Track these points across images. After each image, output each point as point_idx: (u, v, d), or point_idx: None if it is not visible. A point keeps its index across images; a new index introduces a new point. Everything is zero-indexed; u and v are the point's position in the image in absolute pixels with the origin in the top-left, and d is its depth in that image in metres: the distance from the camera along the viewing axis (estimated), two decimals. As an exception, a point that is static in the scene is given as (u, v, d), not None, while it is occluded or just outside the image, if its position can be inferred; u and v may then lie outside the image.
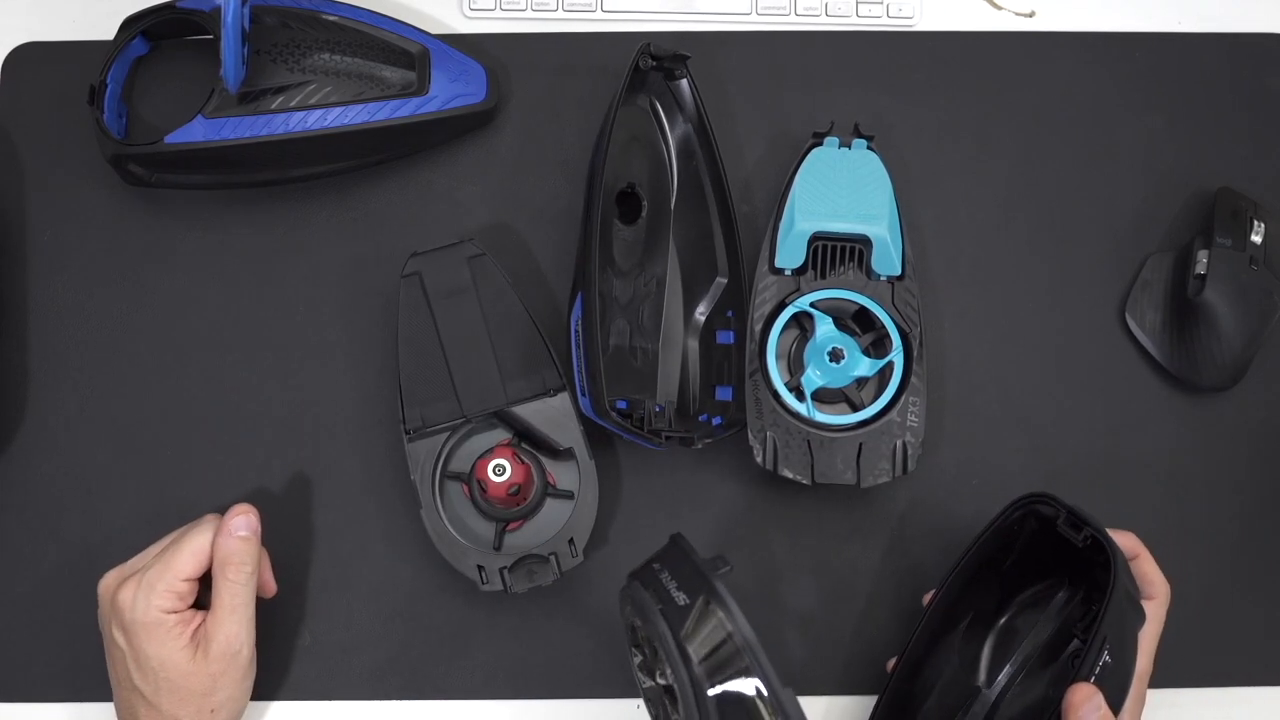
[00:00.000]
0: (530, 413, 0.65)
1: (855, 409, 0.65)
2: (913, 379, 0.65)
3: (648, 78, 0.70)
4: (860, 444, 0.64)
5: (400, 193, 0.73)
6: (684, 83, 0.70)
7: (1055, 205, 0.73)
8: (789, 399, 0.65)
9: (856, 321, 0.67)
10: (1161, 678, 0.67)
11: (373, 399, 0.70)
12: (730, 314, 0.68)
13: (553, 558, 0.63)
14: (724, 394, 0.67)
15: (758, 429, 0.64)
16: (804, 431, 0.64)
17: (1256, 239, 0.68)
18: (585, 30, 0.76)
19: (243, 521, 0.62)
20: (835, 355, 0.65)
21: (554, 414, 0.65)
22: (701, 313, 0.69)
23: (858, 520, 0.68)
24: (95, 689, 0.66)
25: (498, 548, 0.64)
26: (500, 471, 0.62)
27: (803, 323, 0.67)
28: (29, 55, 0.75)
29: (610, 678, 0.66)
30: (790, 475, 0.64)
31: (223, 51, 0.67)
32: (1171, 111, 0.75)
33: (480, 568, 0.63)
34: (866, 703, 0.66)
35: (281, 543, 0.67)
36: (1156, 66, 0.76)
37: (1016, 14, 0.78)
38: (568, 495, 0.65)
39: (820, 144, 0.68)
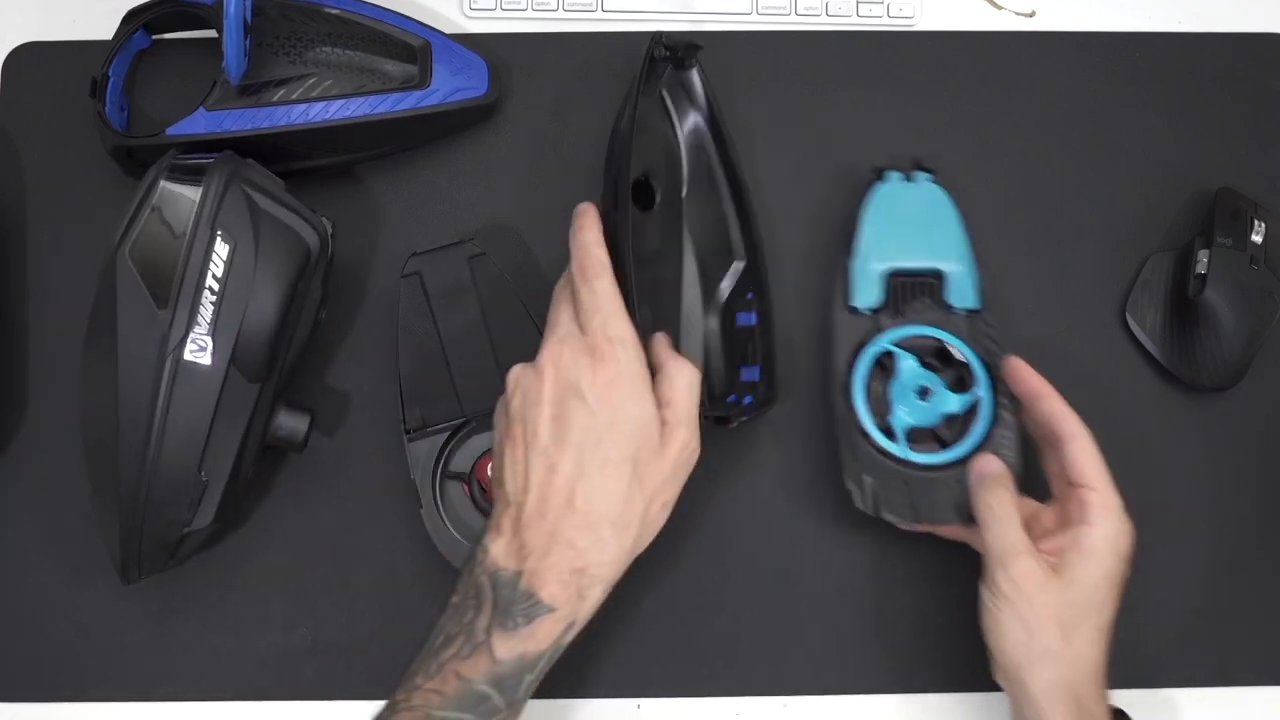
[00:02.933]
0: (530, 412, 0.65)
1: (943, 444, 0.65)
2: (1001, 410, 0.64)
3: (657, 69, 0.69)
4: (958, 481, 0.63)
5: (400, 192, 0.73)
6: (694, 73, 0.70)
7: (1055, 205, 0.73)
8: (881, 440, 0.64)
9: (937, 356, 0.67)
10: (1162, 678, 0.67)
11: (373, 399, 0.70)
12: (750, 295, 0.68)
13: (553, 557, 0.63)
14: (750, 374, 0.67)
15: (854, 473, 0.64)
16: (901, 473, 0.64)
17: (1257, 239, 0.68)
18: (585, 30, 0.76)
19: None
20: (923, 393, 0.65)
21: (554, 414, 0.65)
22: (721, 297, 0.69)
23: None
24: (95, 689, 0.66)
25: (498, 547, 0.64)
26: (501, 471, 0.62)
27: (882, 360, 0.66)
28: (29, 55, 0.75)
29: (610, 678, 0.66)
30: (892, 519, 0.63)
31: (225, 44, 0.66)
32: (1171, 111, 0.75)
33: (481, 567, 0.63)
34: (880, 702, 0.67)
35: (282, 542, 0.68)
36: (1156, 66, 0.76)
37: (1016, 14, 0.78)
38: (568, 495, 0.65)
39: (883, 179, 0.68)
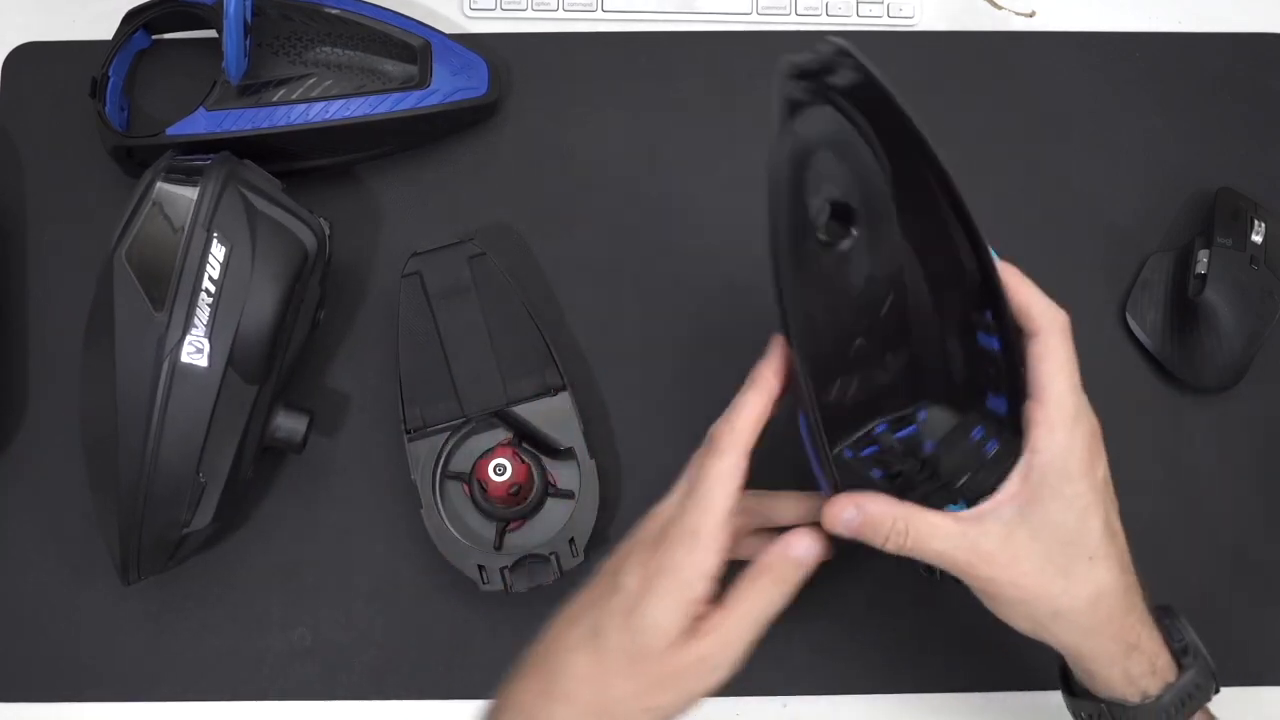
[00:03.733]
0: (531, 412, 0.65)
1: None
2: None
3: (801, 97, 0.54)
4: None
5: (400, 192, 0.73)
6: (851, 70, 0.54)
7: (1055, 205, 0.73)
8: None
9: None
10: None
11: (373, 399, 0.70)
12: (989, 314, 0.54)
13: (553, 558, 0.63)
14: (996, 404, 0.54)
15: None
16: None
17: (1257, 239, 0.68)
18: (585, 30, 0.76)
19: (808, 545, 0.51)
20: None
21: (554, 414, 0.65)
22: (955, 311, 0.56)
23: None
24: (95, 689, 0.66)
25: (498, 547, 0.64)
26: (501, 471, 0.62)
27: None
28: (29, 55, 0.75)
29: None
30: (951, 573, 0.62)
31: (225, 43, 0.67)
32: (1171, 111, 0.75)
33: (481, 568, 0.63)
34: (880, 702, 0.66)
35: (282, 542, 0.68)
36: (1156, 66, 0.76)
37: (1016, 14, 0.78)
38: (568, 495, 0.65)
39: None
